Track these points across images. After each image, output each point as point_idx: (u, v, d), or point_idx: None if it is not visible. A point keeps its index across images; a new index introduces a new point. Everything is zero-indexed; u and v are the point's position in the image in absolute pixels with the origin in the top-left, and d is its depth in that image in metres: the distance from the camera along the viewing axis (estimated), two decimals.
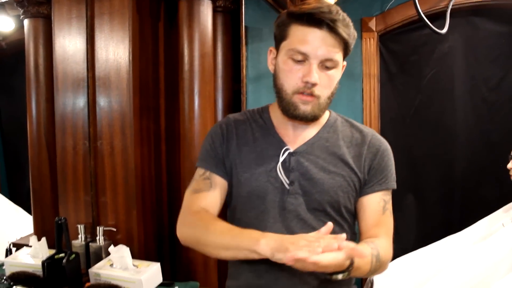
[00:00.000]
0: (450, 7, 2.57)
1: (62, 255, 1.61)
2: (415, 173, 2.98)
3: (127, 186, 1.72)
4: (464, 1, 2.67)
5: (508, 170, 2.15)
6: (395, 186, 1.25)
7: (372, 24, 2.79)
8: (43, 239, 1.73)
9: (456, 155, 2.90)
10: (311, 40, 1.10)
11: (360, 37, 2.82)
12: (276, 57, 1.19)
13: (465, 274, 1.95)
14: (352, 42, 1.16)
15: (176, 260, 1.84)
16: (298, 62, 1.12)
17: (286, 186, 1.20)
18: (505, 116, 2.81)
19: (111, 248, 1.65)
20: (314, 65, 1.11)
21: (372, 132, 1.28)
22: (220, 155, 1.25)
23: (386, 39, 2.90)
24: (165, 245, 1.88)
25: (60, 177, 1.81)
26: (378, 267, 1.12)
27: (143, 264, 1.64)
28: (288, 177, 1.20)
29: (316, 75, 1.11)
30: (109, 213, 1.75)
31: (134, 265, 1.63)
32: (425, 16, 2.58)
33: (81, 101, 1.76)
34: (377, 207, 1.22)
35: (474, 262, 1.98)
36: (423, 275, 2.08)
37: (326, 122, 1.27)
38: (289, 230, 1.18)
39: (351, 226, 1.30)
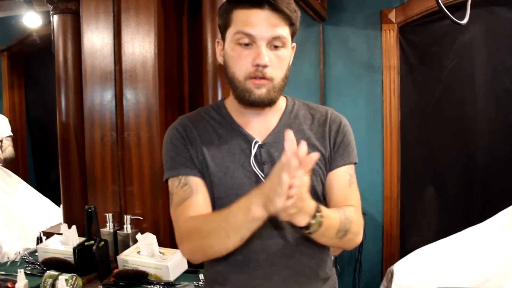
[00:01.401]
0: None
1: (91, 242, 1.68)
2: (435, 164, 2.98)
3: (153, 176, 1.77)
4: None
5: None
6: (357, 160, 1.23)
7: (392, 15, 2.79)
8: (73, 227, 1.80)
9: (477, 147, 2.89)
10: (255, 21, 1.06)
11: (380, 29, 2.83)
12: (223, 48, 1.16)
13: (485, 263, 1.96)
14: (296, 19, 1.12)
15: None
16: (246, 46, 1.08)
17: (262, 179, 1.14)
18: None
19: (139, 236, 1.71)
20: (263, 47, 1.07)
21: (331, 110, 1.25)
22: (188, 156, 1.16)
23: (406, 31, 2.90)
24: None
25: (89, 167, 1.88)
26: (348, 230, 1.10)
27: (169, 252, 1.70)
28: (262, 170, 1.14)
29: (265, 57, 1.06)
30: (136, 202, 1.81)
31: (160, 253, 1.69)
32: (445, 7, 2.56)
33: (109, 94, 1.81)
34: (343, 181, 1.19)
35: (494, 252, 1.99)
36: (443, 265, 2.09)
37: (285, 109, 1.22)
38: (273, 221, 1.13)
39: None
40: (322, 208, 1.01)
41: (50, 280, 1.51)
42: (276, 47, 1.08)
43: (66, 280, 1.50)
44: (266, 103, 1.12)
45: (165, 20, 1.77)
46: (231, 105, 1.21)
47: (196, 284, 1.59)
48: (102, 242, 1.69)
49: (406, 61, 2.94)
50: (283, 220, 1.01)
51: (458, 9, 2.67)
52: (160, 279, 1.62)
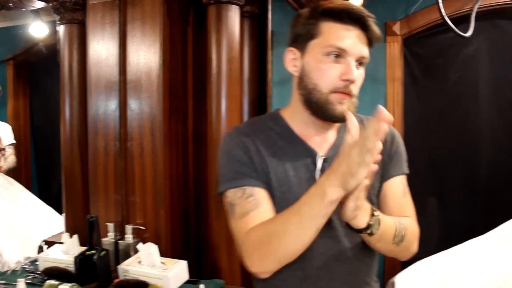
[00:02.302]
0: (475, 10, 2.57)
1: (93, 251, 1.68)
2: (439, 176, 2.98)
3: (156, 186, 1.77)
4: (489, 3, 2.67)
5: None
6: (408, 171, 1.25)
7: (396, 28, 2.80)
8: (75, 236, 1.80)
9: (481, 158, 2.89)
10: (349, 37, 1.08)
11: (384, 40, 2.84)
12: (301, 57, 1.15)
13: (487, 276, 1.94)
14: (377, 41, 1.15)
15: (202, 259, 1.89)
16: (335, 59, 1.09)
17: None
18: None
19: (140, 246, 1.70)
20: (352, 62, 1.09)
21: None
22: (253, 168, 1.14)
23: (410, 43, 2.91)
24: (192, 244, 1.93)
25: (92, 176, 1.88)
26: (403, 236, 1.10)
27: (170, 262, 1.70)
28: None
29: (355, 72, 1.09)
30: (138, 212, 1.81)
31: (161, 263, 1.68)
32: (450, 19, 2.58)
33: (113, 104, 1.82)
34: (398, 191, 1.20)
35: (496, 265, 1.97)
36: (445, 276, 2.08)
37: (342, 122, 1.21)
38: (336, 238, 1.16)
39: None
40: (379, 214, 1.04)
41: None
42: (360, 65, 1.12)
43: None
44: (345, 120, 1.07)
45: (171, 31, 1.78)
46: (292, 116, 1.20)
47: None
48: (104, 252, 1.69)
49: (410, 73, 2.95)
50: (343, 228, 1.06)
51: (462, 21, 2.68)
52: None
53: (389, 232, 1.08)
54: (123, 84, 1.80)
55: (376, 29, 1.11)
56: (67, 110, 1.97)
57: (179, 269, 1.67)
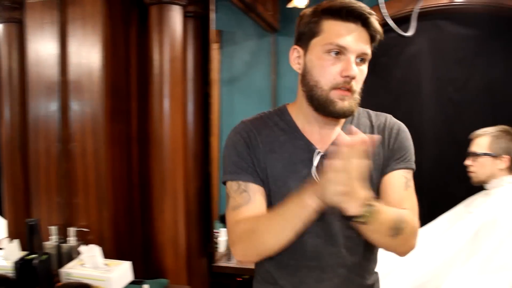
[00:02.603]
0: (416, 10, 2.66)
1: (34, 256, 1.65)
2: None
3: (99, 187, 1.76)
4: (429, 4, 2.76)
5: (463, 166, 2.25)
6: (414, 166, 1.24)
7: None
8: (15, 241, 1.76)
9: (424, 154, 2.99)
10: (349, 34, 1.09)
11: None
12: (304, 55, 1.16)
13: (425, 266, 2.03)
14: (379, 38, 1.15)
15: (148, 259, 1.89)
16: (335, 56, 1.10)
17: None
18: (471, 115, 2.92)
19: (82, 248, 1.69)
20: (352, 58, 1.09)
21: (389, 116, 1.27)
22: (250, 163, 1.18)
23: None
24: (138, 244, 1.93)
25: (33, 179, 1.85)
26: (401, 229, 1.08)
27: (114, 263, 1.69)
28: None
29: (355, 69, 1.09)
30: (81, 214, 1.79)
31: (105, 264, 1.68)
32: (393, 19, 2.67)
33: (54, 105, 1.79)
34: (398, 183, 1.19)
35: (434, 254, 2.06)
36: (386, 268, 2.16)
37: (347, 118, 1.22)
38: (329, 232, 1.16)
39: None
40: (377, 201, 1.02)
41: None
42: (361, 60, 1.12)
43: None
44: (346, 115, 1.14)
45: (113, 31, 1.77)
46: (297, 112, 1.21)
47: None
48: (45, 256, 1.66)
49: None
50: (335, 213, 1.03)
51: (405, 21, 2.77)
52: None
53: (386, 224, 1.06)
54: (64, 85, 1.77)
55: (377, 25, 1.12)
56: (7, 112, 1.92)
57: (123, 270, 1.67)
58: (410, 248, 1.16)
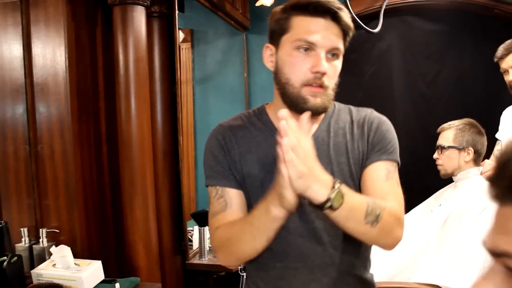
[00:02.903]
0: (383, 7, 2.71)
1: (4, 258, 1.65)
2: None
3: (68, 188, 1.77)
4: (398, 1, 2.82)
5: (435, 160, 2.29)
6: (397, 159, 1.19)
7: None
8: None
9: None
10: (317, 30, 1.06)
11: None
12: (276, 53, 1.15)
13: (398, 256, 2.07)
14: (350, 35, 1.13)
15: (121, 257, 1.90)
16: (305, 52, 1.08)
17: None
18: (442, 108, 2.98)
19: (53, 249, 1.70)
20: (322, 54, 1.06)
21: (370, 111, 1.24)
22: (227, 166, 1.17)
23: None
24: (110, 243, 1.94)
25: (2, 181, 1.85)
26: (379, 216, 1.04)
27: (85, 263, 1.70)
28: None
29: (325, 64, 1.07)
30: (52, 215, 1.80)
31: (76, 264, 1.69)
32: (362, 16, 2.72)
33: (20, 107, 1.80)
34: (379, 175, 1.15)
35: (406, 245, 2.10)
36: None
37: (325, 114, 1.20)
38: (313, 231, 1.14)
39: None
40: (343, 185, 0.99)
41: None
42: (333, 55, 1.09)
43: None
44: (320, 112, 1.12)
45: (77, 32, 1.78)
46: (274, 111, 1.18)
47: None
48: (15, 258, 1.66)
49: None
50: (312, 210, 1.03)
51: (374, 18, 2.82)
52: None
53: (360, 209, 1.02)
54: (29, 87, 1.78)
55: (347, 20, 1.09)
56: None
57: (94, 269, 1.68)
58: (395, 239, 1.11)
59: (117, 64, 1.77)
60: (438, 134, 2.31)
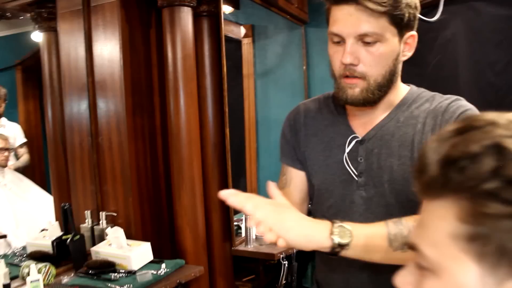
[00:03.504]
0: None
1: (68, 236, 1.88)
2: None
3: (124, 176, 1.96)
4: None
5: None
6: None
7: None
8: (56, 223, 2.01)
9: None
10: (341, 19, 1.01)
11: None
12: None
13: None
14: (392, 7, 0.99)
15: (171, 241, 2.06)
16: (337, 44, 1.04)
17: (355, 177, 1.09)
18: None
19: (108, 230, 1.89)
20: (348, 44, 1.00)
21: (453, 99, 1.11)
22: (291, 147, 1.20)
23: None
24: (164, 227, 2.11)
25: (71, 169, 2.08)
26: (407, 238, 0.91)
27: (136, 244, 1.88)
28: (356, 168, 1.09)
29: (349, 55, 1.00)
30: (110, 200, 2.00)
31: (128, 244, 1.87)
32: (424, 4, 2.63)
33: (84, 103, 2.01)
34: None
35: None
36: None
37: (400, 101, 1.13)
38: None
39: None
40: (345, 222, 0.93)
41: (27, 270, 1.72)
42: (368, 43, 1.01)
43: (39, 268, 1.70)
44: (361, 104, 1.06)
45: (131, 34, 1.95)
46: None
47: (155, 273, 1.76)
48: (78, 236, 1.89)
49: None
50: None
51: (436, 6, 2.72)
52: (125, 268, 1.79)
53: (378, 237, 0.93)
54: (91, 85, 1.99)
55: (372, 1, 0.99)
56: (49, 111, 2.18)
57: (143, 249, 1.85)
58: None
59: (166, 61, 1.92)
60: None
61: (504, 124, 0.50)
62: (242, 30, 3.10)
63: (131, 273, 1.76)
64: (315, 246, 0.90)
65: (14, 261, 1.96)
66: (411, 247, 0.56)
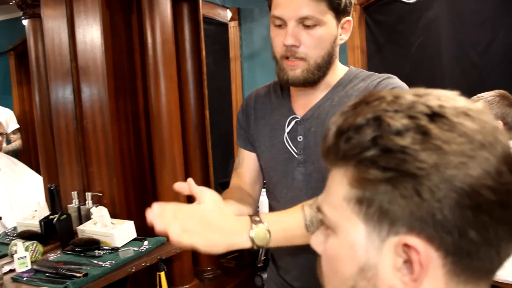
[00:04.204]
0: None
1: (54, 216, 1.96)
2: None
3: (108, 157, 2.03)
4: None
5: None
6: None
7: None
8: (44, 203, 2.09)
9: None
10: (283, 2, 1.06)
11: None
12: None
13: None
14: None
15: None
16: (279, 27, 1.09)
17: (295, 155, 1.18)
18: (495, 79, 2.84)
19: (93, 209, 1.97)
20: (290, 27, 1.06)
21: (386, 77, 1.15)
22: (244, 130, 1.29)
23: (372, 11, 3.00)
24: (148, 206, 2.18)
25: (58, 151, 2.16)
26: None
27: (120, 222, 1.96)
28: (296, 147, 1.17)
29: (290, 37, 1.06)
30: (96, 181, 2.08)
31: (112, 223, 1.95)
32: None
33: (69, 88, 2.08)
34: None
35: None
36: None
37: (337, 82, 1.18)
38: (300, 200, 1.08)
39: None
40: (265, 214, 1.00)
41: (15, 248, 1.80)
42: (308, 26, 1.06)
43: (26, 246, 1.79)
44: (301, 84, 1.12)
45: (112, 20, 2.01)
46: None
47: (137, 249, 1.84)
48: (64, 216, 1.97)
49: (374, 40, 3.05)
50: None
51: None
52: (109, 245, 1.88)
53: (295, 229, 1.00)
54: (75, 70, 2.05)
55: None
56: (37, 96, 2.25)
57: (126, 228, 1.93)
58: None
59: (146, 46, 1.97)
60: None
61: (389, 100, 0.56)
62: (229, 14, 3.14)
63: (114, 250, 1.84)
64: (237, 248, 0.93)
65: (5, 241, 2.05)
66: (319, 209, 0.63)
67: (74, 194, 2.10)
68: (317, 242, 0.65)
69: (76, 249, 1.87)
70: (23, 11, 2.22)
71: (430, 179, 0.49)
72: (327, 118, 1.14)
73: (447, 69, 2.95)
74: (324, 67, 1.12)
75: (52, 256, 1.84)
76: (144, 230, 2.04)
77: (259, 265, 2.28)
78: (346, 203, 0.56)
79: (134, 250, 1.83)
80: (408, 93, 0.57)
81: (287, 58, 1.10)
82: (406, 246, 0.51)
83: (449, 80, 2.95)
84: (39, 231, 2.00)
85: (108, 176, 2.05)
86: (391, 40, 3.03)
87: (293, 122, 1.19)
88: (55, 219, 1.93)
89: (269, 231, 0.95)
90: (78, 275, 1.61)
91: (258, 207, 1.33)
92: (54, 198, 1.97)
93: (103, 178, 2.06)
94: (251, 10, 3.11)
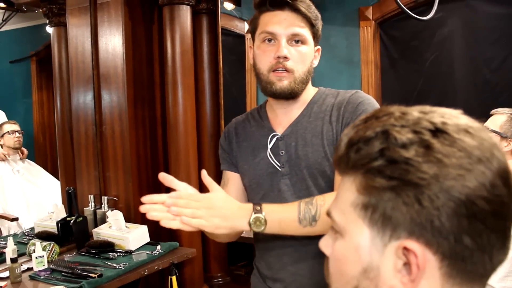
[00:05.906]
0: None
1: (71, 218, 2.03)
2: None
3: (125, 163, 2.09)
4: None
5: None
6: None
7: (369, 13, 2.95)
8: (62, 206, 2.16)
9: None
10: (277, 21, 1.19)
11: (358, 26, 3.00)
12: (253, 49, 1.28)
13: None
14: (316, 21, 1.23)
15: None
16: (269, 43, 1.20)
17: (279, 169, 1.27)
18: (508, 97, 2.87)
19: (108, 213, 2.03)
20: (283, 41, 1.18)
21: (354, 92, 1.28)
22: (227, 153, 1.37)
23: (386, 26, 3.05)
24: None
25: (76, 156, 2.23)
26: (314, 215, 1.13)
27: (134, 226, 2.01)
28: (279, 161, 1.27)
29: (284, 49, 1.17)
30: (112, 185, 2.14)
31: (126, 227, 2.01)
32: (421, 2, 2.72)
33: (90, 94, 2.15)
34: None
35: None
36: None
37: (311, 100, 1.29)
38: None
39: None
40: (265, 205, 1.13)
41: (33, 247, 1.86)
42: (297, 42, 1.20)
43: (44, 246, 1.85)
44: (287, 94, 1.22)
45: (134, 30, 2.08)
46: (269, 103, 1.34)
47: (150, 253, 1.89)
48: (81, 218, 2.03)
49: (388, 55, 3.10)
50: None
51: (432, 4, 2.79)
52: (123, 248, 1.93)
53: (290, 219, 1.13)
54: (96, 77, 2.12)
55: (303, 8, 1.20)
56: (58, 101, 2.33)
57: (140, 232, 1.99)
58: None
59: (165, 56, 2.04)
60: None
61: (397, 116, 0.61)
62: (246, 26, 3.21)
63: (128, 253, 1.90)
64: (238, 231, 1.16)
65: (23, 240, 2.11)
66: (328, 214, 0.68)
67: (91, 197, 2.17)
68: (325, 245, 0.69)
69: (91, 250, 1.92)
70: (49, 19, 2.30)
71: (430, 189, 0.53)
72: (306, 133, 1.26)
73: (460, 86, 2.98)
74: (305, 82, 1.24)
75: (68, 257, 1.90)
76: (158, 236, 2.10)
77: None
78: (353, 208, 0.61)
79: (147, 254, 1.88)
80: (415, 110, 0.61)
81: (274, 71, 1.21)
82: (406, 249, 0.55)
83: (462, 96, 2.98)
84: (56, 232, 2.07)
85: (124, 181, 2.11)
86: (405, 55, 3.08)
87: (274, 139, 1.29)
88: (72, 221, 1.99)
89: (265, 220, 1.10)
90: (93, 275, 1.67)
91: None
92: (71, 200, 2.04)
93: (119, 183, 2.12)
94: None
